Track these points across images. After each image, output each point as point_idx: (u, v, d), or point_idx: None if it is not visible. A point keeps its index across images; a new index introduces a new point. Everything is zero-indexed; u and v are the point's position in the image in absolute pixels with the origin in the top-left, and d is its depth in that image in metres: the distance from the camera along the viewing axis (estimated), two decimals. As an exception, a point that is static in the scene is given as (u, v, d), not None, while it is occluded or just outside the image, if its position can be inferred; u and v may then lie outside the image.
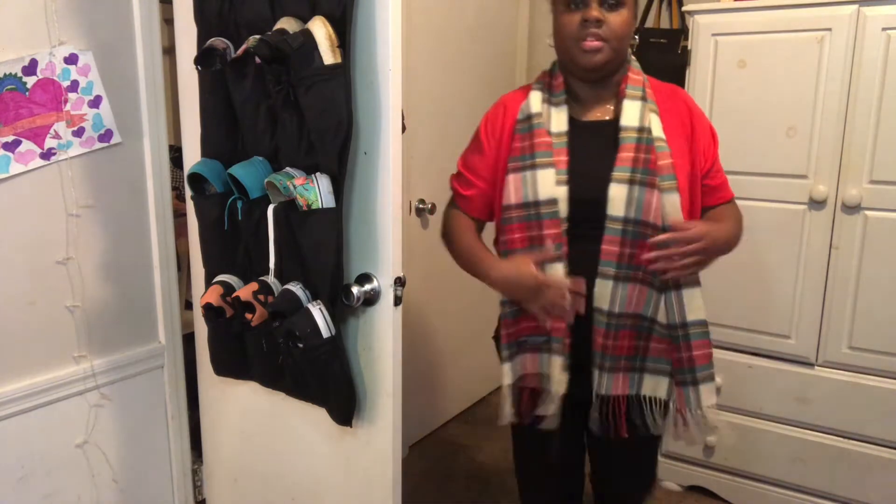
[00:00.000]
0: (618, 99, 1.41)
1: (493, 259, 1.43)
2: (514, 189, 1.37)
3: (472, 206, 1.50)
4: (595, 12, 1.31)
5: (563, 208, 1.34)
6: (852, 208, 2.01)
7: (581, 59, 1.35)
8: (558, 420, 1.39)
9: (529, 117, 1.40)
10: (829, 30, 1.97)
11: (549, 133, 1.38)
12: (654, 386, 1.39)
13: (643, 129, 1.35)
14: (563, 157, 1.36)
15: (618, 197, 1.32)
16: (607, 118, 1.42)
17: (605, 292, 1.33)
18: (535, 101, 1.42)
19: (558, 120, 1.40)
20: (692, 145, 1.40)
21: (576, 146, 1.38)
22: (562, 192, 1.34)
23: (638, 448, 1.52)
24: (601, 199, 1.33)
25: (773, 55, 2.05)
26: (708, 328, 1.38)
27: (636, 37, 1.53)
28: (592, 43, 1.33)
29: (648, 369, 1.38)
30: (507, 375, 1.42)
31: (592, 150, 1.38)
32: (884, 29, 1.90)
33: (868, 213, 2.00)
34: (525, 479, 1.64)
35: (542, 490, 1.60)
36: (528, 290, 1.33)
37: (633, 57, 1.47)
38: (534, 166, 1.36)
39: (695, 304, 1.36)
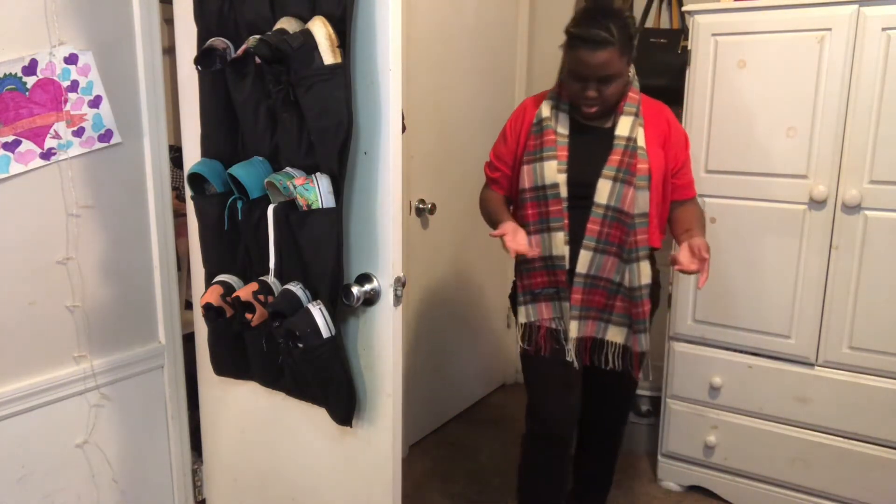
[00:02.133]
0: (616, 112, 1.75)
1: (506, 216, 1.82)
2: (527, 176, 1.75)
3: (498, 185, 1.90)
4: (592, 92, 1.67)
5: (563, 190, 1.72)
6: (852, 208, 2.01)
7: (581, 111, 1.73)
8: (570, 353, 1.78)
9: (541, 121, 1.77)
10: (829, 30, 1.97)
11: (555, 132, 1.75)
12: (615, 334, 1.80)
13: (631, 139, 1.72)
14: (565, 152, 1.74)
15: (603, 189, 1.70)
16: (606, 126, 1.76)
17: (585, 260, 1.73)
18: (546, 108, 1.78)
19: (563, 122, 1.77)
20: (666, 151, 1.78)
21: (575, 144, 1.75)
22: (562, 178, 1.72)
23: (615, 385, 1.93)
24: (592, 185, 1.71)
25: (773, 55, 2.05)
26: (650, 290, 1.77)
27: (633, 73, 1.79)
28: (590, 109, 1.70)
29: (613, 322, 1.79)
30: (522, 315, 1.82)
31: (588, 148, 1.74)
32: (884, 29, 1.90)
33: (868, 213, 2.00)
34: (536, 392, 1.92)
35: (552, 393, 1.89)
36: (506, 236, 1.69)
37: (635, 77, 1.78)
38: (542, 158, 1.74)
39: (644, 272, 1.74)
